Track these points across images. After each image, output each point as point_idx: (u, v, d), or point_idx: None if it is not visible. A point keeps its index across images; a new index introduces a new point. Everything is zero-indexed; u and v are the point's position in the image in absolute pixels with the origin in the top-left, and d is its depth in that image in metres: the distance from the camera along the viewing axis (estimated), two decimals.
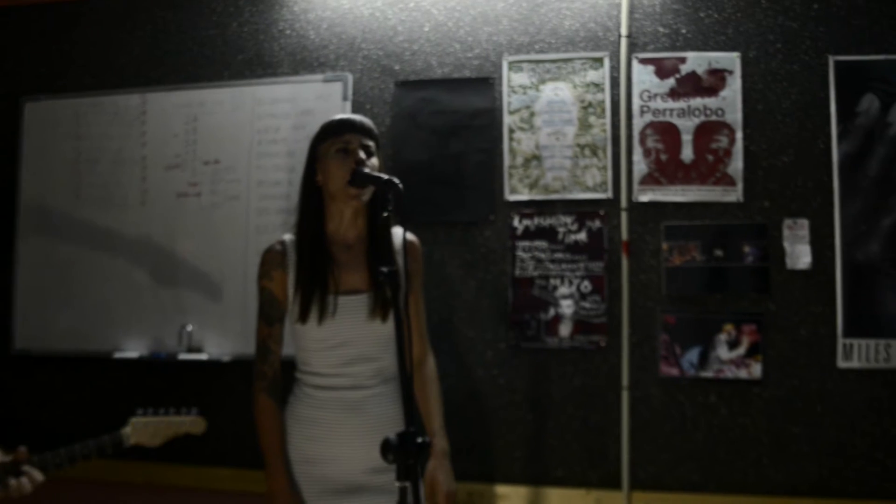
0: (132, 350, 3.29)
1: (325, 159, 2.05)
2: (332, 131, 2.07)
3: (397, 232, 2.11)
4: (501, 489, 3.04)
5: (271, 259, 2.11)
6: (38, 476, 1.99)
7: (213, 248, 3.28)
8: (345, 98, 3.21)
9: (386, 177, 1.85)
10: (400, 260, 2.06)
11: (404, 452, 1.58)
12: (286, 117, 3.26)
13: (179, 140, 3.35)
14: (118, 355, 3.26)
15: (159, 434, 2.34)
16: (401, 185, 1.81)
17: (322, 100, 3.23)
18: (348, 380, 2.05)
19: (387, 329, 2.05)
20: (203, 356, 3.21)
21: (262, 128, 3.28)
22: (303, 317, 2.04)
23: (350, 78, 3.25)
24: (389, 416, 2.08)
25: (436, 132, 3.18)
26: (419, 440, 1.59)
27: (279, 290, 2.10)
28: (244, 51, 3.38)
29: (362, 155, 2.02)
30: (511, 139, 3.13)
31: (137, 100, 3.41)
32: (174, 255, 3.31)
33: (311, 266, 2.06)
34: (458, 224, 3.15)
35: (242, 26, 3.39)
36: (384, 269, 1.73)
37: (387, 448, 1.58)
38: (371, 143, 2.07)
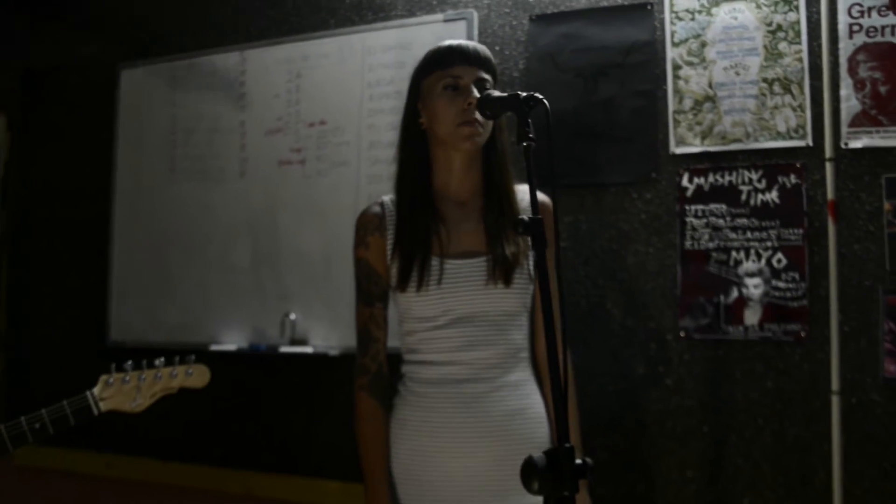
0: (230, 342, 3.02)
1: (430, 97, 1.73)
2: (439, 62, 1.73)
3: (522, 189, 1.77)
4: None
5: (367, 223, 1.81)
6: None
7: (319, 224, 2.95)
8: (469, 39, 2.78)
9: (523, 93, 1.44)
10: None
11: (556, 479, 1.11)
12: (400, 67, 2.88)
13: (281, 101, 3.06)
14: (214, 348, 2.99)
15: (143, 393, 1.94)
16: (546, 101, 1.39)
17: None
18: (464, 369, 1.69)
19: (511, 299, 1.70)
20: (308, 349, 2.88)
21: (373, 81, 2.93)
22: (402, 284, 1.70)
23: (475, 15, 2.84)
24: (519, 420, 1.71)
25: (581, 74, 2.71)
26: (579, 462, 1.13)
27: (377, 260, 1.78)
28: None
29: (476, 93, 1.67)
30: (677, 77, 2.61)
31: (236, 58, 3.15)
32: (276, 232, 3.02)
33: (411, 223, 1.73)
34: (611, 186, 2.66)
35: None
36: (524, 218, 1.30)
37: (531, 472, 1.11)
38: (488, 78, 1.73)
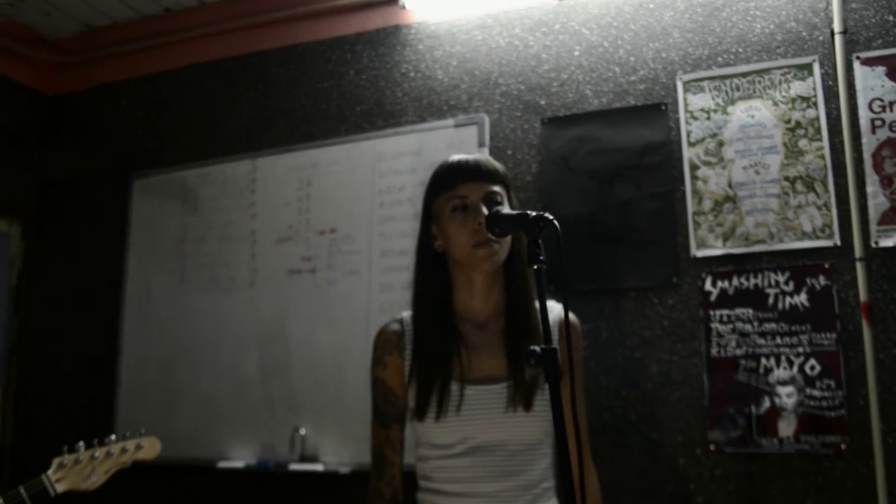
0: (238, 459, 2.92)
1: (442, 220, 1.67)
2: (444, 183, 1.68)
3: (554, 307, 1.68)
4: None
5: (385, 341, 1.74)
6: None
7: (330, 334, 2.90)
8: (481, 144, 2.80)
9: (533, 213, 1.40)
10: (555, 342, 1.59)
11: None
12: (412, 173, 2.87)
13: (292, 209, 3.05)
14: (222, 465, 2.89)
15: (97, 470, 2.02)
16: (556, 222, 1.36)
17: (454, 148, 2.81)
18: (482, 501, 1.59)
19: (532, 427, 1.62)
20: (318, 467, 2.78)
21: (384, 188, 2.91)
22: (420, 411, 1.63)
23: (486, 120, 2.84)
24: None
25: (596, 177, 2.68)
26: None
27: (394, 380, 1.72)
28: (363, 101, 3.07)
29: (485, 210, 1.60)
30: (695, 178, 2.57)
31: (247, 166, 3.17)
32: (286, 342, 2.96)
33: (431, 346, 1.67)
34: (630, 291, 2.59)
35: (360, 74, 3.09)
36: (536, 349, 1.28)
37: None
38: (497, 190, 1.66)
